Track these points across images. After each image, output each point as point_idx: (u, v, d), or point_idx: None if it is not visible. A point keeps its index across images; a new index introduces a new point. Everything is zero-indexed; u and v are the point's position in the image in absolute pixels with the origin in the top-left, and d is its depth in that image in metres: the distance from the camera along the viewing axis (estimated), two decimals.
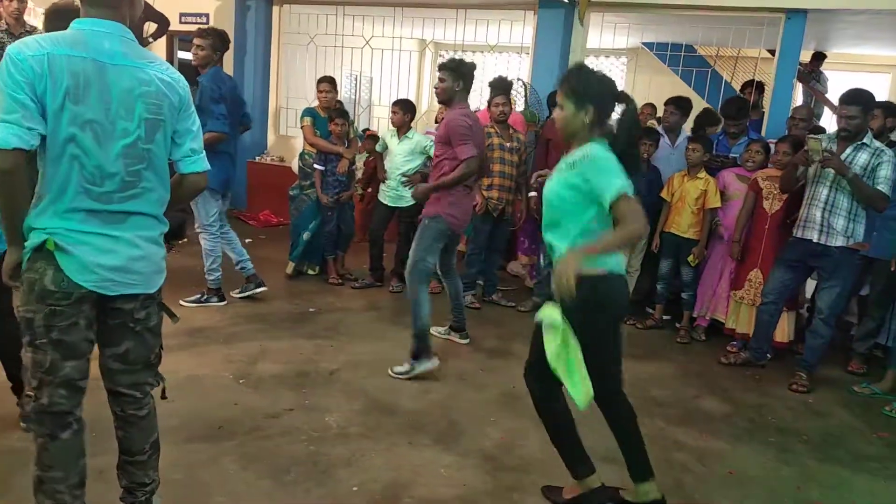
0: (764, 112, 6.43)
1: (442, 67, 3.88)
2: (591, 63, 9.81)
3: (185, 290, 4.64)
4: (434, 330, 4.18)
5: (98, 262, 1.83)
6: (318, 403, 3.30)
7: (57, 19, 3.25)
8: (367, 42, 7.72)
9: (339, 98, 5.87)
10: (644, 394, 3.80)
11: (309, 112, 5.52)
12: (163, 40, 7.87)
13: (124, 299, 1.93)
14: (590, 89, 2.34)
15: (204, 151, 2.09)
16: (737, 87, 8.28)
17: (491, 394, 3.63)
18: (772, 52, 6.38)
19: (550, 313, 2.30)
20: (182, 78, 2.02)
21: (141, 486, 2.13)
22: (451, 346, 4.30)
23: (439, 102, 4.02)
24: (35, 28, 5.15)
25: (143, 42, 7.35)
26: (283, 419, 3.11)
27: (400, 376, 3.67)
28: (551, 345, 2.28)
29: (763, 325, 4.25)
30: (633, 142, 2.42)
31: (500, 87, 4.96)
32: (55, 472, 1.90)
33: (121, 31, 1.87)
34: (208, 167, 2.09)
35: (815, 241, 3.94)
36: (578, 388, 2.25)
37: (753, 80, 6.73)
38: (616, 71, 10.28)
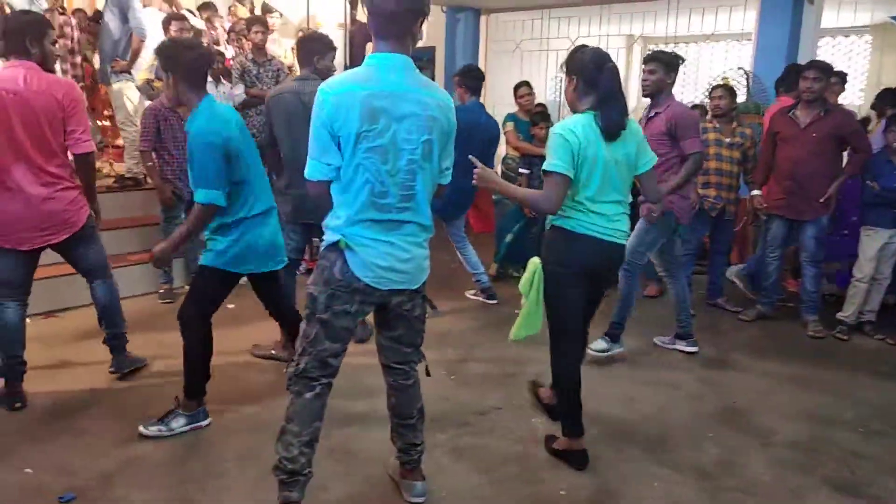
0: None
1: (652, 59, 3.71)
2: (828, 44, 8.76)
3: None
4: (658, 340, 4.21)
5: (376, 263, 2.12)
6: (525, 404, 3.32)
7: (304, 47, 3.68)
8: (573, 43, 7.65)
9: (542, 101, 5.91)
10: (894, 419, 3.30)
11: (510, 117, 5.63)
12: None
13: (395, 293, 2.22)
14: (572, 62, 2.63)
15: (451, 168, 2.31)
16: None
17: (707, 407, 3.39)
18: None
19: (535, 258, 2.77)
20: (451, 104, 2.20)
21: (413, 446, 2.46)
22: (664, 352, 4.08)
23: (645, 95, 3.81)
24: (275, 57, 5.83)
25: None
26: (492, 416, 3.19)
27: (598, 353, 3.84)
28: (525, 275, 2.79)
29: None
30: (611, 106, 2.55)
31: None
32: (293, 425, 2.21)
33: (404, 63, 2.09)
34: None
35: None
36: (523, 322, 2.87)
37: None
38: (859, 52, 9.05)
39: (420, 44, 6.62)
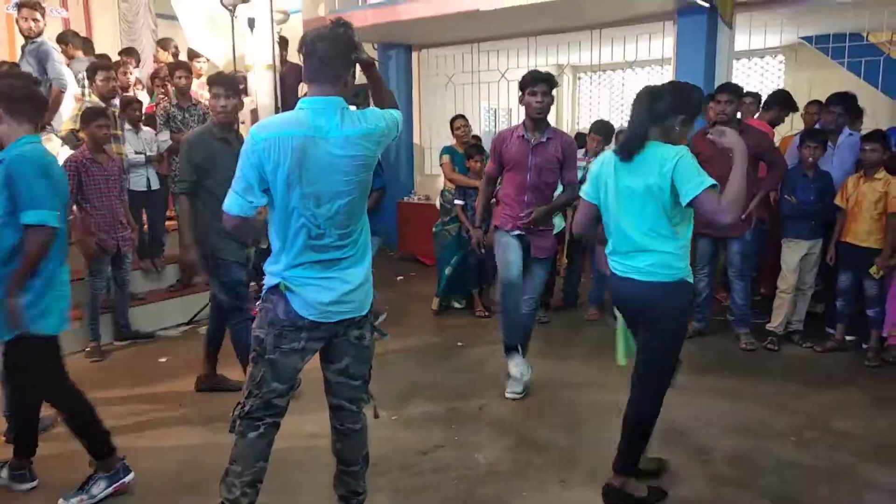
0: None
1: (543, 80, 3.58)
2: (743, 66, 9.19)
3: None
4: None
5: (318, 300, 2.14)
6: (468, 440, 3.30)
7: (216, 84, 3.61)
8: (503, 75, 7.82)
9: (477, 133, 6.01)
10: (825, 425, 3.41)
11: (447, 150, 5.73)
12: None
13: (343, 323, 2.22)
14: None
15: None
16: None
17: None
18: None
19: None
20: (391, 121, 2.21)
21: (355, 495, 2.43)
22: (609, 375, 4.11)
23: (538, 118, 3.62)
24: (200, 101, 5.76)
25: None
26: (434, 456, 3.15)
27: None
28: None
29: None
30: (625, 131, 2.62)
31: None
32: (236, 466, 2.20)
33: (336, 105, 2.08)
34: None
35: None
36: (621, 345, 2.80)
37: None
38: (772, 71, 9.52)
39: (354, 81, 6.57)
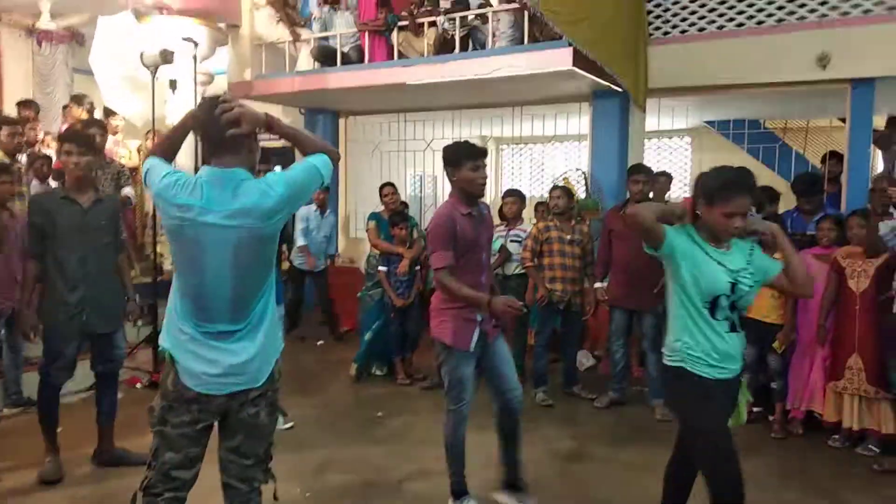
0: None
1: (484, 155, 3.25)
2: (654, 145, 9.78)
3: None
4: None
5: (204, 371, 2.07)
6: None
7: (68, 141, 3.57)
8: (429, 144, 7.99)
9: (403, 199, 6.07)
10: None
11: (374, 216, 5.74)
12: None
13: (236, 397, 2.12)
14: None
15: None
16: (810, 158, 8.00)
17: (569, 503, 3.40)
18: (843, 121, 6.15)
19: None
20: (269, 188, 2.07)
21: None
22: (528, 449, 4.08)
23: (481, 194, 3.28)
24: (114, 160, 5.57)
25: None
26: None
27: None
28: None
29: None
30: None
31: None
32: None
33: (232, 177, 2.05)
34: None
35: None
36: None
37: (834, 152, 6.23)
38: (680, 151, 10.17)
39: (279, 143, 6.59)
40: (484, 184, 3.20)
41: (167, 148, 2.25)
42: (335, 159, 2.20)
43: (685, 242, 2.47)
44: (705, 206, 2.42)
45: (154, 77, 5.59)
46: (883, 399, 4.00)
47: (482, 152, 3.17)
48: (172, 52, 5.65)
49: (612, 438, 4.34)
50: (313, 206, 6.63)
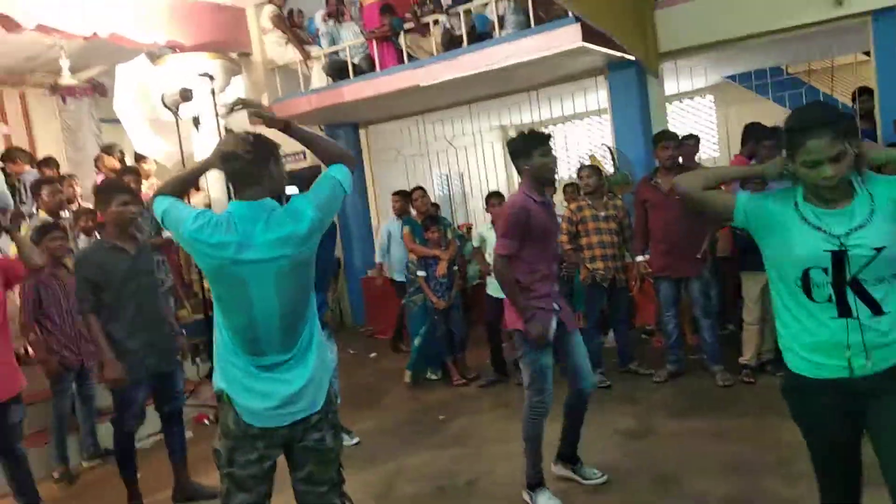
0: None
1: (549, 139, 3.30)
2: (676, 108, 9.61)
3: None
4: None
5: (263, 406, 2.10)
6: None
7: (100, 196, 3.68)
8: (450, 143, 8.01)
9: (433, 200, 6.09)
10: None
11: (407, 221, 5.78)
12: None
13: (298, 424, 2.13)
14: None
15: None
16: (839, 97, 7.77)
17: (640, 480, 3.39)
18: (868, 55, 5.95)
19: None
20: (299, 214, 2.11)
21: None
22: (590, 432, 4.06)
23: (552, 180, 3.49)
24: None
25: None
26: None
27: None
28: None
29: None
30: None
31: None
32: None
33: (259, 210, 2.08)
34: None
35: None
36: None
37: (864, 88, 5.98)
38: (704, 111, 9.97)
39: (307, 163, 6.78)
40: (556, 168, 3.30)
41: (179, 186, 2.25)
42: (351, 165, 2.21)
43: (768, 208, 1.97)
44: (791, 161, 1.89)
45: (177, 116, 5.72)
46: None
47: (548, 137, 3.26)
48: (191, 90, 5.79)
49: (675, 410, 4.31)
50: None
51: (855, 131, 1.82)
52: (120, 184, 3.88)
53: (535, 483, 3.25)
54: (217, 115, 6.08)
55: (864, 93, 5.91)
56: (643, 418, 4.24)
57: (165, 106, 5.82)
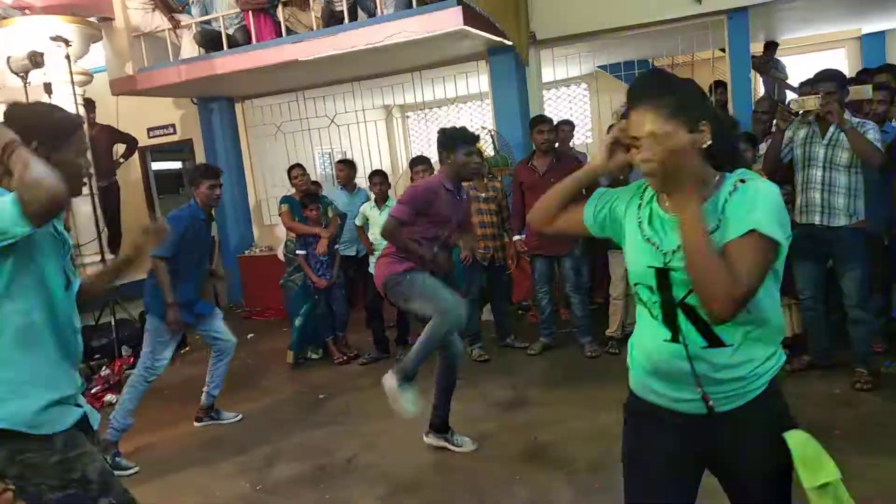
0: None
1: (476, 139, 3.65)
2: (553, 96, 9.97)
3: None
4: None
5: None
6: (340, 496, 3.20)
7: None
8: (332, 120, 7.85)
9: (314, 179, 5.93)
10: None
11: (285, 199, 5.64)
12: (136, 157, 8.03)
13: None
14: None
15: None
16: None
17: (513, 449, 3.54)
18: (724, 51, 6.45)
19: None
20: None
21: None
22: (469, 405, 4.18)
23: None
24: None
25: (115, 164, 7.48)
26: None
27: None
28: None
29: (813, 324, 4.07)
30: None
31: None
32: None
33: None
34: None
35: (818, 223, 3.79)
36: None
37: (719, 81, 6.54)
38: (579, 98, 10.41)
39: (176, 137, 6.52)
40: (477, 169, 3.58)
41: None
42: (27, 204, 1.61)
43: (614, 209, 1.66)
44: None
45: (26, 82, 5.24)
46: None
47: (476, 138, 3.52)
48: (42, 54, 5.31)
49: (549, 381, 4.52)
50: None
51: (705, 111, 1.48)
52: None
53: (410, 377, 3.30)
54: (73, 82, 5.62)
55: (719, 86, 6.43)
56: (519, 389, 4.41)
57: (12, 71, 5.31)
